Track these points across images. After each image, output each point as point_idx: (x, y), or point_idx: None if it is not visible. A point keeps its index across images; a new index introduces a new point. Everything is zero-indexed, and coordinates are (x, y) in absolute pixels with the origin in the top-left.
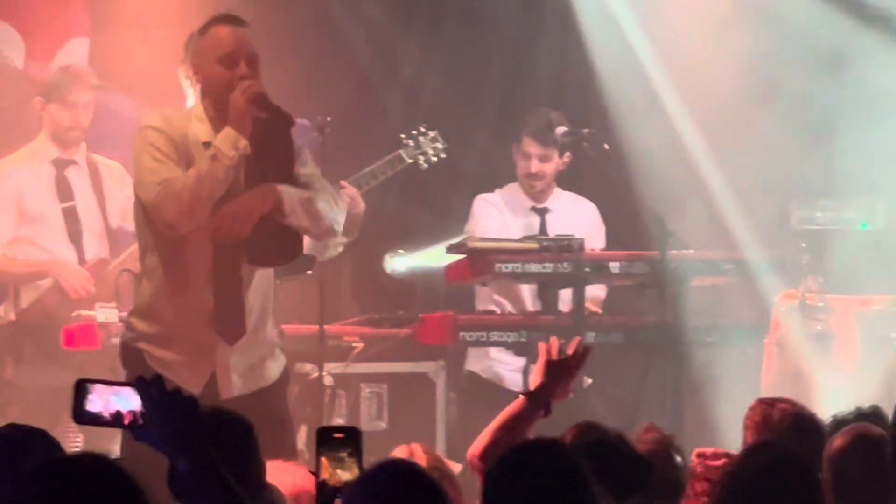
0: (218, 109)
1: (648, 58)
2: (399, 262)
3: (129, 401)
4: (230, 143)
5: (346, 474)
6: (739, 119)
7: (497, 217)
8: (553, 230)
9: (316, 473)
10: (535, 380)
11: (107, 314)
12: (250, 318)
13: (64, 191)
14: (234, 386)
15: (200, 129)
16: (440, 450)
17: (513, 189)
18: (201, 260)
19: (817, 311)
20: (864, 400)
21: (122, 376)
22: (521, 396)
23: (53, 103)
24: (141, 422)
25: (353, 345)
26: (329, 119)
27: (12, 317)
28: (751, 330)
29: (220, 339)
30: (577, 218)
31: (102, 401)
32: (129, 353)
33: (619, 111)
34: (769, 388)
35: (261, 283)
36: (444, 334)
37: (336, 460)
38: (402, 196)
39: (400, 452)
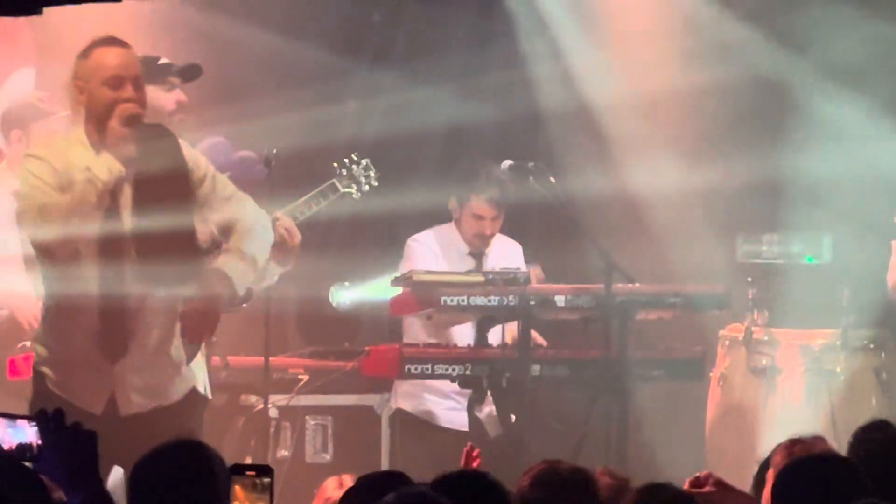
0: (101, 133)
1: (594, 94)
2: (344, 295)
3: (25, 433)
4: (106, 167)
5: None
6: (686, 153)
7: (431, 259)
8: (490, 268)
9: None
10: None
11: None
12: (148, 338)
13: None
14: (134, 403)
15: (83, 153)
16: None
17: (446, 231)
18: (87, 282)
19: (762, 345)
20: (809, 433)
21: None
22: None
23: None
24: (36, 455)
25: (299, 377)
26: (275, 151)
27: None
28: (696, 363)
29: (118, 359)
30: (509, 259)
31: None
32: (35, 377)
33: (565, 145)
34: (714, 421)
35: (164, 303)
36: (389, 367)
37: (252, 489)
38: (348, 229)
39: (331, 483)
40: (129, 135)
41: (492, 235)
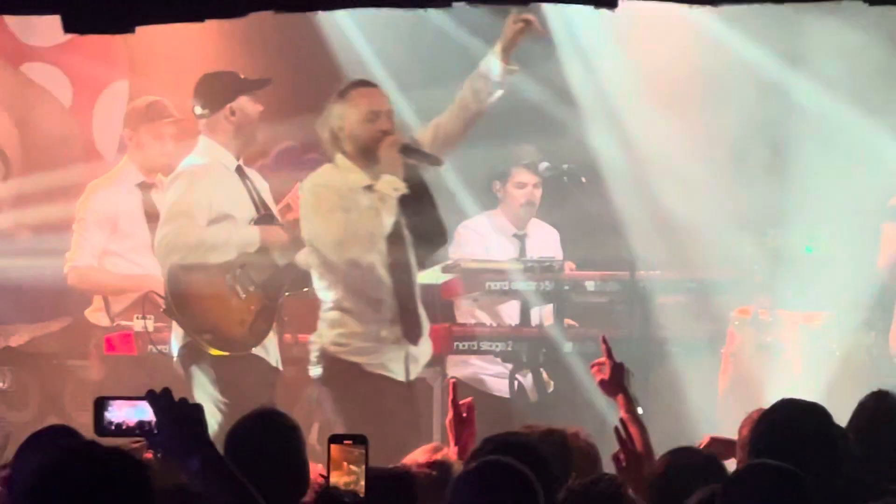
0: (366, 159)
1: (620, 97)
2: None
3: (144, 412)
4: (391, 186)
5: (353, 477)
6: (698, 156)
7: (479, 243)
8: (530, 254)
9: (326, 474)
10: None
11: (143, 324)
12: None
13: (150, 212)
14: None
15: (356, 177)
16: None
17: (494, 216)
18: (378, 279)
19: (768, 325)
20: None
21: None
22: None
23: (142, 133)
24: (155, 431)
25: None
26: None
27: (107, 323)
28: (709, 342)
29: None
30: (548, 242)
31: (121, 413)
32: (342, 365)
33: (594, 147)
34: (725, 392)
35: None
36: (440, 343)
37: (347, 460)
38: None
39: (428, 447)
40: (399, 159)
41: (535, 205)
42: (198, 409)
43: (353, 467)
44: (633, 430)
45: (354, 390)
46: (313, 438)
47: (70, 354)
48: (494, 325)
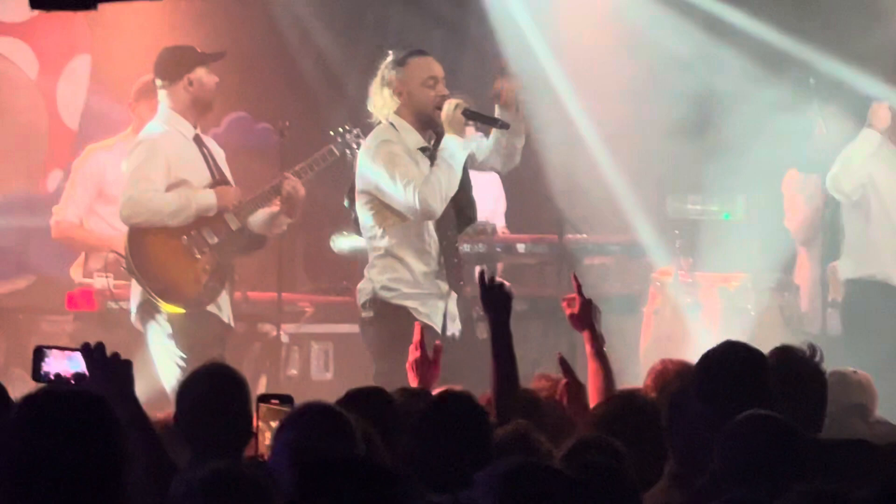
0: (422, 122)
1: (551, 64)
2: (343, 242)
3: (78, 363)
4: (459, 146)
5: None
6: (623, 123)
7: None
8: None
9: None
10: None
11: (103, 282)
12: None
13: None
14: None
15: (414, 138)
16: None
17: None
18: (428, 233)
19: (687, 286)
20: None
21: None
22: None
23: (142, 107)
24: (87, 381)
25: (306, 309)
26: (287, 124)
27: (81, 278)
28: (632, 301)
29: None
30: (487, 188)
31: (58, 364)
32: (390, 309)
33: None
34: (647, 349)
35: None
36: None
37: (274, 419)
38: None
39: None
40: (462, 121)
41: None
42: (127, 366)
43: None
44: (596, 364)
45: (402, 333)
46: (261, 390)
47: (38, 310)
48: None
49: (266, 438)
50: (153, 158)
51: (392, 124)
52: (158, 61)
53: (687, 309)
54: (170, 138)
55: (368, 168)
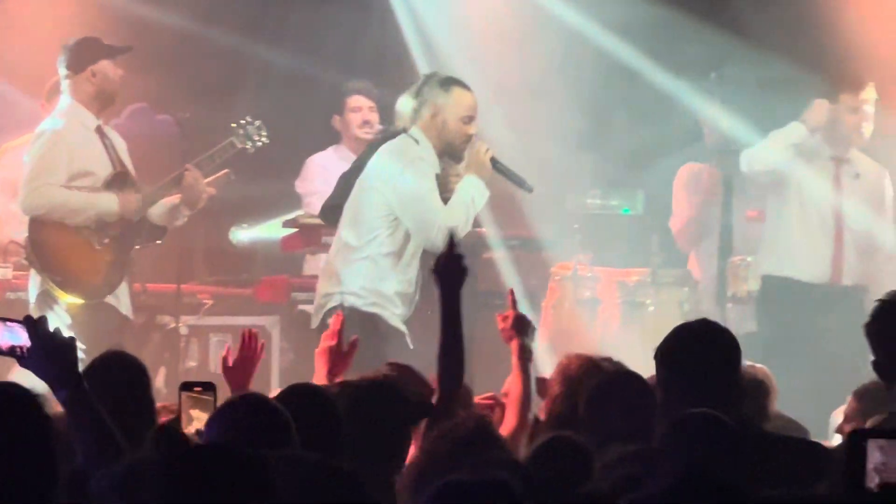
0: (442, 148)
1: (453, 58)
2: (242, 234)
3: (18, 335)
4: (480, 192)
5: (202, 423)
6: (525, 117)
7: (321, 177)
8: None
9: (178, 412)
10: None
11: (1, 272)
12: None
13: None
14: None
15: (433, 160)
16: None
17: (339, 148)
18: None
19: (586, 280)
20: (627, 355)
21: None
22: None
23: (56, 101)
24: (26, 355)
25: (204, 301)
26: (187, 115)
27: None
28: (531, 295)
29: None
30: None
31: None
32: (361, 316)
33: None
34: (546, 344)
35: None
36: (279, 294)
37: (197, 407)
38: (248, 178)
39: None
40: (489, 166)
41: (373, 125)
42: (72, 343)
43: (202, 414)
44: (518, 377)
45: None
46: (160, 381)
47: None
48: None
49: (189, 427)
50: (54, 149)
51: (415, 139)
52: (63, 51)
53: (585, 304)
54: (71, 129)
55: (403, 179)
